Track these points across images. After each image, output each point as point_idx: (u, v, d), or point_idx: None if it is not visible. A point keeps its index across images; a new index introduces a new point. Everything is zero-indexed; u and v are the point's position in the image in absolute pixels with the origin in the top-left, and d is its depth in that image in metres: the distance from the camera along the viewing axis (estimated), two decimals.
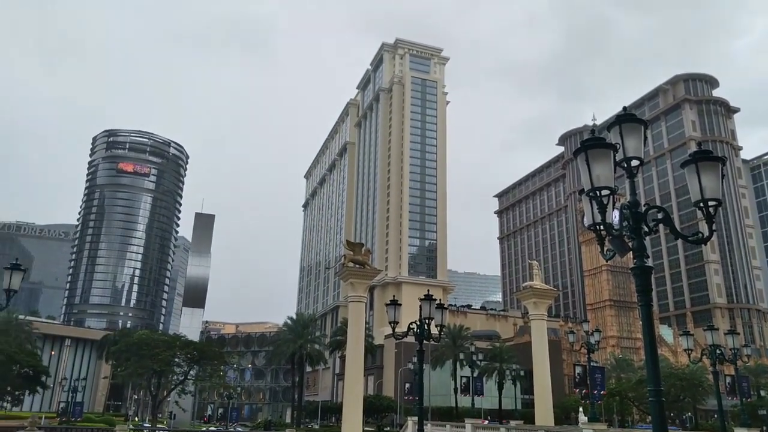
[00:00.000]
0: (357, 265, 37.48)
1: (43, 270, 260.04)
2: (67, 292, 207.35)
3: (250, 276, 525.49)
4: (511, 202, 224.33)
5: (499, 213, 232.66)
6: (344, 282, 42.51)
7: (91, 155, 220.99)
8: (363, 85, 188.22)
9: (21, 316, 79.31)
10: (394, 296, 29.71)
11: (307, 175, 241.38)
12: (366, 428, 50.48)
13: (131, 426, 57.04)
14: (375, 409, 77.38)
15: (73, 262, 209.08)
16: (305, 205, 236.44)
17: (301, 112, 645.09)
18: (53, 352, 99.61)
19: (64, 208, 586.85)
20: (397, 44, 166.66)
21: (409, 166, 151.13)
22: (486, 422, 49.49)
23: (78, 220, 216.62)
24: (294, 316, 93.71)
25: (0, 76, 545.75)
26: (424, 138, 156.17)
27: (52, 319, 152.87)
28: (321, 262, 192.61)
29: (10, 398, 54.86)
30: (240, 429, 68.70)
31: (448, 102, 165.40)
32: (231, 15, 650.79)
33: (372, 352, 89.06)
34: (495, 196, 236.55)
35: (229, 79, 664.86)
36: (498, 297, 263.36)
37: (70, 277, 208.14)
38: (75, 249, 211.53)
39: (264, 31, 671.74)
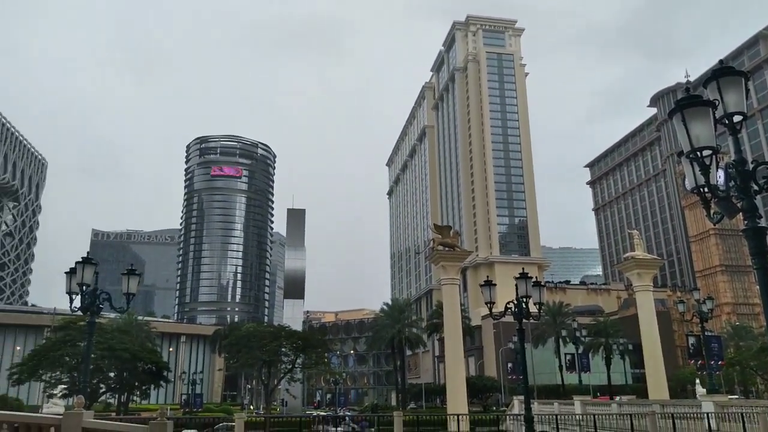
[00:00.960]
0: (447, 248, 37.44)
1: (155, 273, 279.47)
2: (177, 292, 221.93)
3: (344, 265, 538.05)
4: (604, 171, 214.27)
5: (592, 183, 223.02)
6: (435, 266, 42.64)
7: (186, 162, 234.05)
8: (437, 67, 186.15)
9: (140, 317, 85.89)
10: (488, 276, 29.48)
11: (389, 163, 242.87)
12: (471, 409, 50.56)
13: (252, 414, 60.48)
14: (478, 389, 77.26)
15: (180, 264, 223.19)
16: (389, 193, 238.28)
17: (377, 102, 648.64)
18: (171, 349, 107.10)
19: (168, 214, 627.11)
20: (468, 21, 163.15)
21: (491, 144, 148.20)
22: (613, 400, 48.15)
23: (181, 224, 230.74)
24: (389, 302, 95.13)
25: (99, 95, 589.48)
26: (505, 113, 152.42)
27: (167, 318, 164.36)
28: (410, 247, 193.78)
29: (138, 392, 59.58)
30: (349, 413, 71.05)
31: (526, 74, 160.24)
32: (300, 17, 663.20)
33: (470, 333, 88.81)
34: (586, 166, 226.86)
35: (305, 80, 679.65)
36: (597, 270, 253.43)
37: (179, 278, 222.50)
38: (181, 251, 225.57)
39: (335, 29, 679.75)
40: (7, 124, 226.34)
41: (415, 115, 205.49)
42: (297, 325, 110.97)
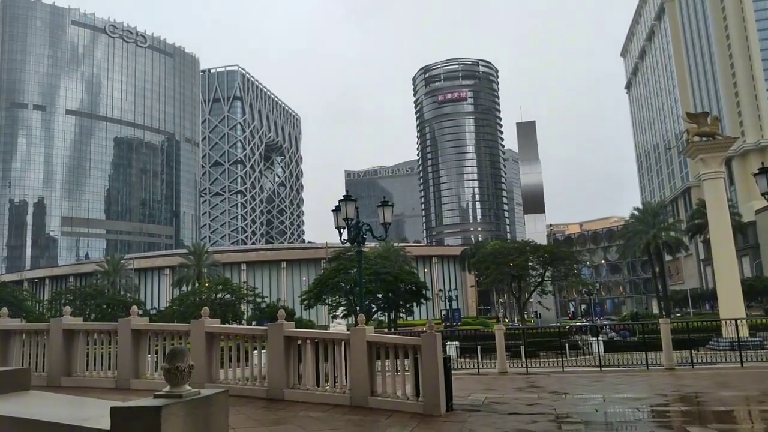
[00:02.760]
0: (705, 138, 33.32)
1: (402, 203, 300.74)
2: (423, 218, 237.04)
3: (583, 174, 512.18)
4: None
5: None
6: (692, 160, 38.23)
7: (414, 94, 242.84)
8: None
9: (395, 244, 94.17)
10: (762, 163, 25.62)
11: (623, 53, 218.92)
12: (750, 313, 45.48)
13: (509, 326, 63.10)
14: (757, 292, 68.86)
15: (422, 192, 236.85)
16: (627, 86, 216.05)
17: None
18: (426, 270, 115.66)
19: (406, 147, 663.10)
20: None
21: (751, 3, 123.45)
22: None
23: (417, 154, 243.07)
24: (640, 206, 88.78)
25: (331, 46, 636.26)
26: None
27: (418, 243, 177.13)
28: (659, 143, 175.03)
29: (404, 310, 66.23)
30: (606, 322, 69.45)
31: None
32: None
33: (742, 231, 78.73)
34: None
35: None
36: None
37: (423, 205, 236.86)
38: (421, 180, 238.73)
39: None
40: (266, 91, 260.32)
41: None
42: (541, 239, 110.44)
